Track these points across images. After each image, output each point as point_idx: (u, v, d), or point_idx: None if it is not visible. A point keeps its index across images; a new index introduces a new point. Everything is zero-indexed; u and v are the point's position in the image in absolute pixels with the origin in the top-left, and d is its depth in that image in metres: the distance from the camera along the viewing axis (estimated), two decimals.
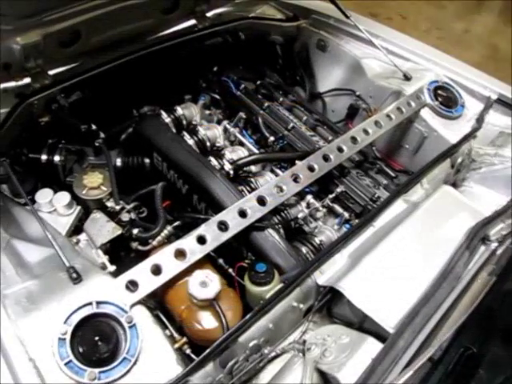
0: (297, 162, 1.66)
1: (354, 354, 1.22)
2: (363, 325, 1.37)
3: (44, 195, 1.63)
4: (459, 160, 1.79)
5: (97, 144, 1.79)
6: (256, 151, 1.82)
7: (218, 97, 2.03)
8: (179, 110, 1.89)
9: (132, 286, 1.26)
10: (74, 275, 1.26)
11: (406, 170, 2.04)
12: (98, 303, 1.21)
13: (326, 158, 1.65)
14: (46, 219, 1.58)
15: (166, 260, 1.32)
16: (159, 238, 1.46)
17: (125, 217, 1.48)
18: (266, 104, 1.99)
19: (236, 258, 1.53)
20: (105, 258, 1.38)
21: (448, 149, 1.78)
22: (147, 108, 2.00)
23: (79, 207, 1.67)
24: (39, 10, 1.79)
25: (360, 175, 1.82)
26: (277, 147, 1.86)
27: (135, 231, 1.46)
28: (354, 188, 1.75)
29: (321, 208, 1.66)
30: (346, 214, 1.70)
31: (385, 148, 2.15)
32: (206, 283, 1.30)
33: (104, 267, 1.38)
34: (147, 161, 1.86)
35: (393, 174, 1.91)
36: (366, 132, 1.78)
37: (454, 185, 1.89)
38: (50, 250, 1.42)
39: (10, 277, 1.32)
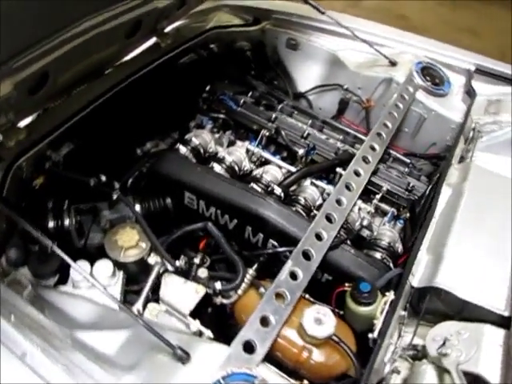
0: (338, 169, 1.63)
1: (482, 346, 1.23)
2: (462, 314, 1.39)
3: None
4: (471, 134, 1.88)
5: (115, 196, 1.59)
6: (288, 167, 1.74)
7: (224, 117, 1.89)
8: (194, 140, 1.74)
9: (249, 346, 1.15)
10: (183, 354, 1.10)
11: (412, 153, 2.10)
12: (225, 378, 1.08)
13: (365, 161, 1.64)
14: (90, 298, 1.39)
15: (270, 308, 1.22)
16: (244, 285, 1.34)
17: (202, 273, 1.33)
18: (274, 115, 1.91)
19: (311, 280, 1.46)
20: (198, 324, 1.24)
21: (462, 126, 1.86)
22: (150, 144, 1.82)
23: (121, 272, 1.49)
24: (8, 55, 1.53)
25: (386, 168, 1.84)
26: (308, 159, 1.80)
27: (218, 286, 1.32)
28: (390, 182, 1.76)
29: (373, 210, 1.65)
30: (394, 210, 1.71)
31: None
32: (321, 319, 1.23)
33: (200, 334, 1.24)
34: (169, 201, 1.70)
35: (407, 160, 1.95)
36: (386, 126, 1.79)
37: (462, 157, 1.99)
38: (123, 333, 1.24)
39: (101, 379, 1.12)
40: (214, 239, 1.45)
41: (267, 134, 1.80)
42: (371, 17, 2.50)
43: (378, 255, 1.53)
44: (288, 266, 1.30)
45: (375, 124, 1.79)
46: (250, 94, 2.07)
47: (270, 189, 1.59)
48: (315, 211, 1.59)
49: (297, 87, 2.41)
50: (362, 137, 1.96)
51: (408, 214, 1.70)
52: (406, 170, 1.88)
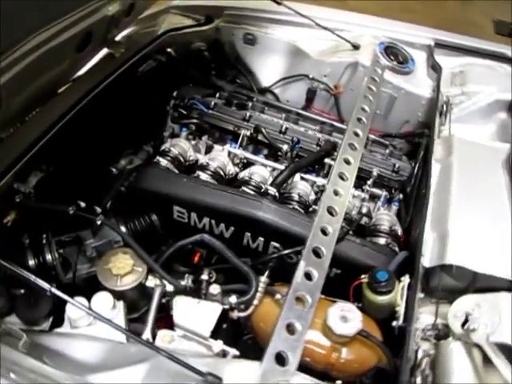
0: (326, 160, 1.60)
1: (503, 314, 1.23)
2: (475, 286, 1.39)
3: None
4: (444, 108, 1.90)
5: (99, 222, 1.47)
6: (275, 165, 1.68)
7: (198, 122, 1.80)
8: (173, 150, 1.64)
9: (280, 358, 1.09)
10: (215, 380, 1.03)
11: (388, 134, 2.10)
12: None
13: (352, 147, 1.61)
14: (93, 336, 1.28)
15: (293, 314, 1.16)
16: (259, 294, 1.27)
17: (215, 289, 1.25)
18: (248, 114, 1.85)
19: None
20: (221, 344, 1.16)
21: (436, 100, 1.87)
22: (124, 161, 1.70)
23: (121, 302, 1.38)
24: None
25: (369, 153, 1.83)
26: (294, 153, 1.75)
27: (233, 299, 1.24)
28: (377, 166, 1.75)
29: (367, 196, 1.63)
30: (387, 193, 1.70)
31: None
32: (346, 317, 1.19)
33: (224, 354, 1.16)
34: (155, 218, 1.60)
35: (386, 142, 1.95)
36: (364, 110, 1.77)
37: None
38: (141, 368, 1.15)
39: None
40: (215, 251, 1.38)
41: (248, 133, 1.74)
42: None
43: (381, 241, 1.51)
44: (302, 268, 1.24)
45: (354, 109, 1.75)
46: (218, 94, 2.00)
47: (263, 190, 1.54)
48: (314, 206, 1.55)
49: (260, 82, 2.35)
50: (339, 125, 1.95)
51: (401, 195, 1.69)
52: (387, 151, 1.88)
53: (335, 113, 2.23)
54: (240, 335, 1.51)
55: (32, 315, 1.31)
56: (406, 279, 1.33)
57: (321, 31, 2.22)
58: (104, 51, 2.14)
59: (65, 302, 1.32)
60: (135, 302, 1.45)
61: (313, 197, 1.61)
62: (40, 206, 1.50)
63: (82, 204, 1.52)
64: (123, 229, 1.56)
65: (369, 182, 1.68)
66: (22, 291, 1.37)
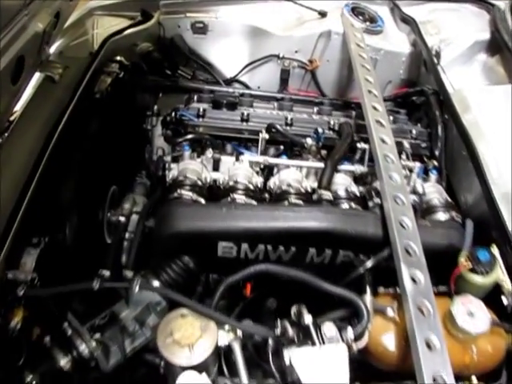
0: (359, 145, 1.46)
1: None
2: None
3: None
4: (435, 60, 1.83)
5: (137, 289, 1.17)
6: (304, 163, 1.48)
7: (196, 136, 1.53)
8: (190, 176, 1.36)
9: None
10: None
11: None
12: None
13: (379, 123, 1.47)
14: None
15: (425, 327, 1.02)
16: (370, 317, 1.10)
17: (329, 330, 1.03)
18: (246, 113, 1.61)
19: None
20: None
21: (428, 53, 1.79)
22: (127, 204, 1.41)
23: (204, 374, 1.13)
24: None
25: None
26: (319, 145, 1.55)
27: (350, 333, 1.04)
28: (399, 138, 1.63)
29: (406, 172, 1.51)
30: (420, 164, 1.59)
31: (339, 91, 2.06)
32: (471, 311, 1.08)
33: None
34: (187, 259, 1.34)
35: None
36: (368, 81, 1.63)
37: None
38: None
39: None
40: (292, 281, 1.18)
41: (266, 136, 1.50)
42: None
43: (443, 216, 1.39)
44: (405, 272, 1.10)
45: (360, 85, 1.59)
46: (196, 97, 1.72)
47: (315, 197, 1.35)
48: (377, 200, 1.38)
49: (223, 73, 2.10)
50: (337, 101, 1.81)
51: (435, 162, 1.59)
52: (391, 118, 1.77)
53: (314, 89, 2.07)
54: None
55: None
56: (495, 249, 1.25)
57: (277, 4, 2.02)
58: (39, 76, 1.76)
59: None
60: (209, 367, 1.20)
61: (355, 188, 1.46)
62: (55, 292, 1.17)
63: (106, 273, 1.22)
64: (156, 284, 1.28)
65: (404, 157, 1.55)
66: None
